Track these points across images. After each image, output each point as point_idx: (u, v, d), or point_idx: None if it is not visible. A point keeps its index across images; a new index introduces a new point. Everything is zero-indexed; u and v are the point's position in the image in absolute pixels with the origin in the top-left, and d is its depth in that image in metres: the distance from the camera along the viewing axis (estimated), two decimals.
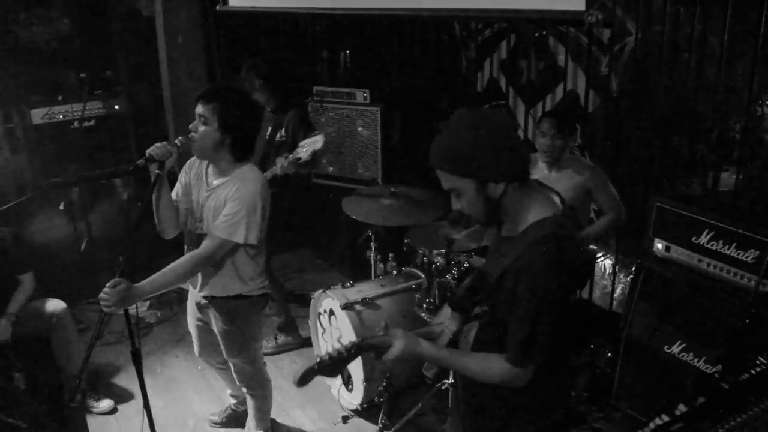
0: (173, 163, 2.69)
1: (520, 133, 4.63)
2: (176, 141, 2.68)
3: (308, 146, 3.78)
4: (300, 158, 3.80)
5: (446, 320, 2.15)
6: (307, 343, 4.40)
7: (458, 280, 3.36)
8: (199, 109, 2.71)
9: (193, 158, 2.95)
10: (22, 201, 4.38)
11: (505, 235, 1.93)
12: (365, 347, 1.99)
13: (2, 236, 3.83)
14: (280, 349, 4.45)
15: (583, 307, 4.05)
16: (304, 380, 1.96)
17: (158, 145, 2.63)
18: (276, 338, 4.48)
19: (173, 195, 2.94)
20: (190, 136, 2.72)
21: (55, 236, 4.82)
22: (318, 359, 1.94)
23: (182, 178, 2.99)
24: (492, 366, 1.89)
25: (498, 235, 1.98)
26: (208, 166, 2.89)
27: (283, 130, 4.23)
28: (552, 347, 1.85)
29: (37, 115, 4.74)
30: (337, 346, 1.97)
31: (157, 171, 2.64)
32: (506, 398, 1.97)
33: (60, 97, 4.84)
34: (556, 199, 1.93)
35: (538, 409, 2.02)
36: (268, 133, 4.26)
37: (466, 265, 3.41)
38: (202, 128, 2.70)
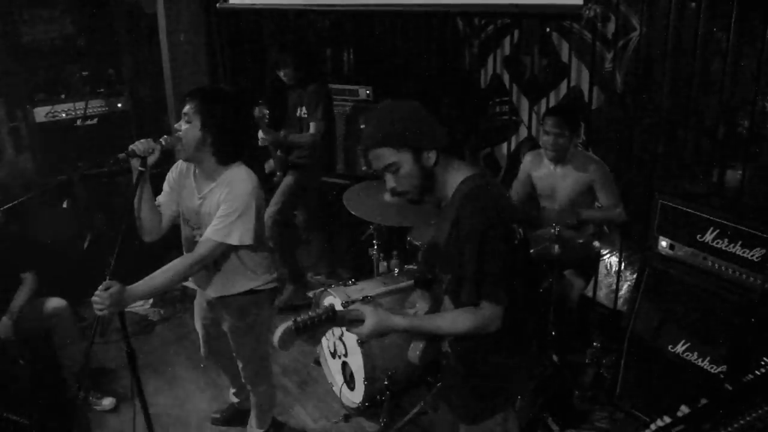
0: (155, 161, 2.64)
1: (524, 130, 4.61)
2: (161, 139, 2.65)
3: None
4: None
5: (419, 303, 2.22)
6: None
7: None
8: (184, 107, 2.69)
9: (178, 163, 2.92)
10: (25, 199, 4.40)
11: (443, 203, 2.10)
12: (338, 318, 2.05)
13: (6, 235, 3.84)
14: (288, 304, 4.60)
15: (587, 305, 4.03)
16: (284, 342, 2.03)
17: (142, 141, 2.60)
18: (283, 290, 4.60)
19: (161, 198, 2.91)
20: (176, 134, 2.69)
21: (59, 234, 4.82)
22: (293, 320, 2.01)
23: (169, 182, 2.95)
24: (460, 316, 1.99)
25: (439, 209, 2.15)
26: (195, 171, 2.85)
27: (303, 106, 4.43)
28: (511, 288, 1.97)
29: (40, 114, 4.73)
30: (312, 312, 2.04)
31: (139, 168, 2.59)
32: (495, 359, 2.09)
33: (63, 96, 4.83)
34: (475, 163, 2.08)
35: (524, 359, 2.19)
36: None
37: None
38: (185, 126, 2.68)
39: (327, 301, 3.78)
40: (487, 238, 1.90)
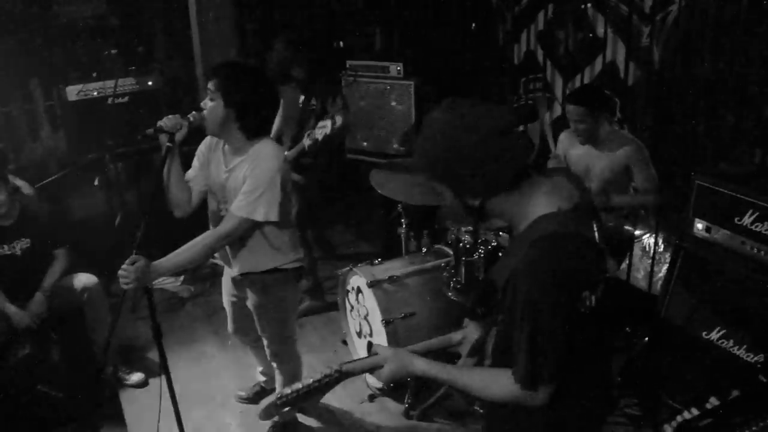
0: (183, 137, 2.66)
1: (557, 108, 4.48)
2: (189, 115, 2.66)
3: (321, 129, 3.86)
4: (317, 139, 3.87)
5: (469, 327, 1.98)
6: (332, 307, 4.41)
7: (487, 258, 3.28)
8: (208, 84, 2.69)
9: (209, 137, 2.92)
10: (57, 177, 4.47)
11: (515, 233, 1.74)
12: (345, 374, 1.84)
13: (40, 212, 3.89)
14: (304, 313, 4.52)
15: (620, 288, 3.93)
16: (265, 414, 1.84)
17: (170, 117, 2.63)
18: (300, 301, 4.49)
19: (191, 173, 2.93)
20: (202, 113, 2.68)
21: (91, 211, 4.89)
22: (279, 394, 1.81)
23: (199, 157, 2.96)
24: (497, 384, 1.66)
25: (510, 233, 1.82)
26: (224, 146, 2.85)
27: (314, 99, 4.29)
28: (569, 364, 1.61)
29: (72, 92, 4.77)
30: (310, 378, 1.82)
31: (167, 143, 2.63)
32: (524, 417, 1.74)
33: (94, 74, 4.87)
34: (570, 190, 1.67)
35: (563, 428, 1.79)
36: (301, 102, 4.30)
37: (494, 243, 3.31)
38: (210, 104, 2.68)
39: (353, 280, 3.75)
40: (544, 312, 1.56)
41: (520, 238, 1.65)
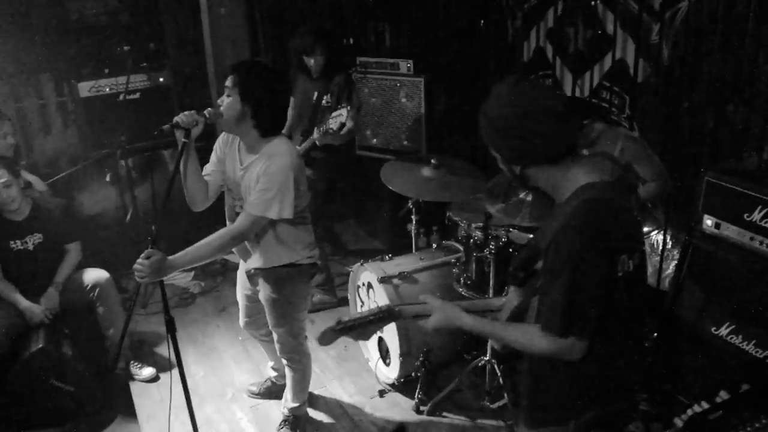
0: (199, 133, 2.70)
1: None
2: (204, 111, 2.69)
3: (335, 118, 3.85)
4: (331, 129, 3.87)
5: (510, 294, 2.05)
6: (342, 302, 4.46)
7: (497, 254, 3.29)
8: (226, 81, 2.73)
9: (226, 134, 2.95)
10: (69, 173, 4.51)
11: (557, 201, 1.86)
12: (396, 314, 1.97)
13: (52, 207, 3.93)
14: (317, 308, 4.55)
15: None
16: (324, 339, 1.98)
17: (186, 113, 2.65)
18: (312, 296, 4.55)
19: (209, 167, 2.97)
20: (217, 110, 2.72)
21: (102, 207, 4.93)
22: (338, 320, 1.94)
23: (216, 151, 3.00)
24: (539, 336, 1.76)
25: (553, 203, 1.92)
26: (239, 143, 2.88)
27: (329, 95, 4.30)
28: (603, 323, 1.72)
29: (84, 88, 4.81)
30: (365, 310, 1.96)
31: (183, 139, 2.65)
32: (565, 378, 1.85)
33: (106, 71, 4.91)
34: (610, 166, 1.82)
35: (599, 393, 1.87)
36: (314, 98, 4.31)
37: (505, 239, 3.32)
38: (226, 100, 2.72)
39: (364, 276, 3.78)
40: (581, 267, 1.67)
41: (563, 204, 1.78)
